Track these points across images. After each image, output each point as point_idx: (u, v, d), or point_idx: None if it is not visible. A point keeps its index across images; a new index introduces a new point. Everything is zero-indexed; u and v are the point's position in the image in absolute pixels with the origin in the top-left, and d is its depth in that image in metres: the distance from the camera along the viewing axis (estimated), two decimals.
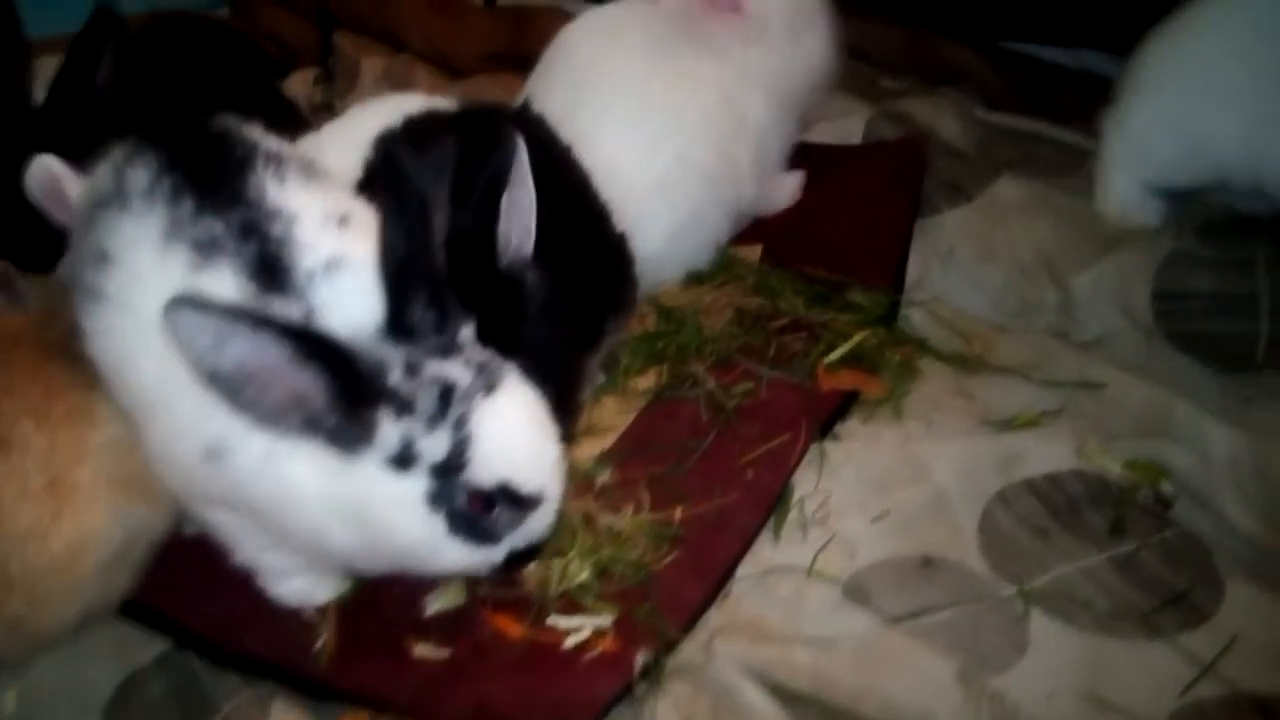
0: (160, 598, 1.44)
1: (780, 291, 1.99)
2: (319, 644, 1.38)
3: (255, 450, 1.16)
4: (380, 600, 1.42)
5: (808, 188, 2.20)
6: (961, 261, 2.01)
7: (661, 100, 1.96)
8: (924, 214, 2.07)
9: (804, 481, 1.63)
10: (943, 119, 2.27)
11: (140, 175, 1.26)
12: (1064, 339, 1.89)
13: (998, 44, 2.57)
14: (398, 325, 1.14)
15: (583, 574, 1.45)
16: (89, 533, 1.28)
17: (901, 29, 2.44)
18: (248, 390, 1.08)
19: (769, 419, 1.71)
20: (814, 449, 1.68)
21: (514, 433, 1.17)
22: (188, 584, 1.45)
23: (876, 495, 1.59)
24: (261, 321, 1.06)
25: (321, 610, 1.41)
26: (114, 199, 1.26)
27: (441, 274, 1.16)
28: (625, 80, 1.98)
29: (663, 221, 1.96)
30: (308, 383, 1.08)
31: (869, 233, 2.06)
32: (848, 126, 2.32)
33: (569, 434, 1.58)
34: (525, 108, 1.82)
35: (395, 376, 1.13)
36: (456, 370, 1.15)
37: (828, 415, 1.73)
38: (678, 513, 1.55)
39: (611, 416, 1.77)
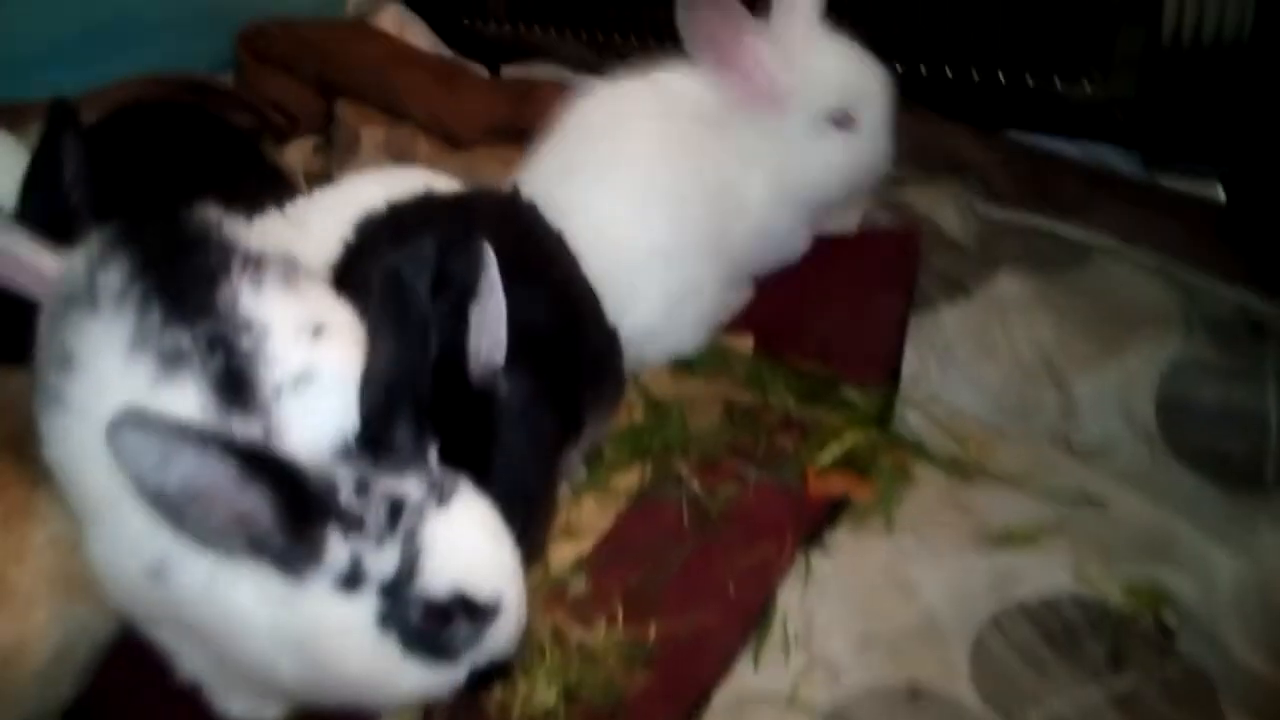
0: (103, 707, 1.38)
1: (772, 386, 1.93)
2: None
3: (199, 573, 1.10)
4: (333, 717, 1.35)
5: (801, 277, 2.15)
6: (960, 360, 1.95)
7: (661, 171, 1.93)
8: (922, 309, 2.01)
9: (787, 597, 1.55)
10: (942, 210, 2.22)
11: (113, 277, 1.23)
12: (1065, 445, 1.82)
13: (1003, 133, 2.53)
14: (376, 444, 1.10)
15: (548, 697, 1.38)
16: (28, 636, 1.23)
17: (904, 115, 2.40)
18: (192, 511, 1.02)
19: (754, 526, 1.64)
20: (799, 560, 1.61)
21: (466, 540, 1.11)
22: (132, 694, 1.38)
23: (863, 616, 1.51)
24: (207, 440, 1.01)
25: None
26: (84, 298, 1.23)
27: (426, 395, 1.13)
28: (625, 150, 1.95)
29: (656, 294, 1.91)
30: (253, 503, 1.03)
31: (863, 326, 2.01)
32: (844, 215, 2.27)
33: (542, 540, 1.52)
34: (515, 193, 1.78)
35: (345, 495, 1.08)
36: (408, 486, 1.10)
37: (815, 524, 1.66)
38: (653, 629, 1.47)
39: (591, 517, 1.70)
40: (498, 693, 1.39)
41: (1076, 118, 2.49)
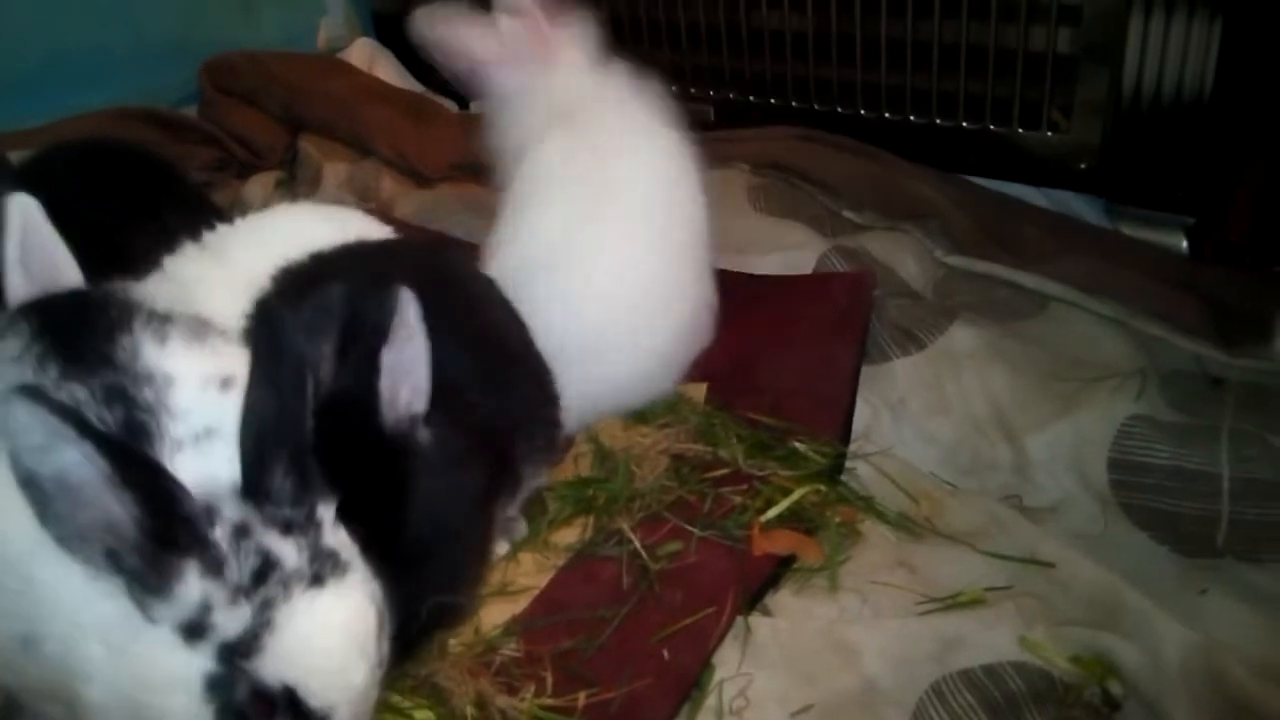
0: None
1: (722, 438, 1.89)
2: None
3: (59, 633, 1.05)
4: None
5: (753, 323, 2.12)
6: (912, 413, 1.91)
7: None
8: (875, 360, 1.98)
9: (725, 661, 1.50)
10: (900, 257, 2.20)
11: (11, 344, 1.20)
12: (1016, 503, 1.78)
13: (965, 178, 2.52)
14: (252, 490, 1.05)
15: None
16: None
17: (868, 160, 2.39)
18: (59, 504, 0.99)
19: (694, 586, 1.60)
20: (740, 622, 1.56)
21: (321, 637, 1.03)
22: None
23: (801, 684, 1.46)
24: (88, 430, 0.97)
25: None
26: None
27: (306, 444, 1.07)
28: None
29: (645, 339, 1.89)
30: (119, 511, 0.98)
31: (815, 376, 1.97)
32: (799, 259, 2.24)
33: (466, 599, 1.46)
34: (440, 240, 1.74)
35: (219, 533, 1.02)
36: (287, 549, 1.04)
37: (758, 584, 1.62)
38: (582, 698, 1.43)
39: (528, 576, 1.66)
40: None
41: (1039, 164, 2.48)
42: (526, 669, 1.47)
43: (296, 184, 3.04)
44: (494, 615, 1.57)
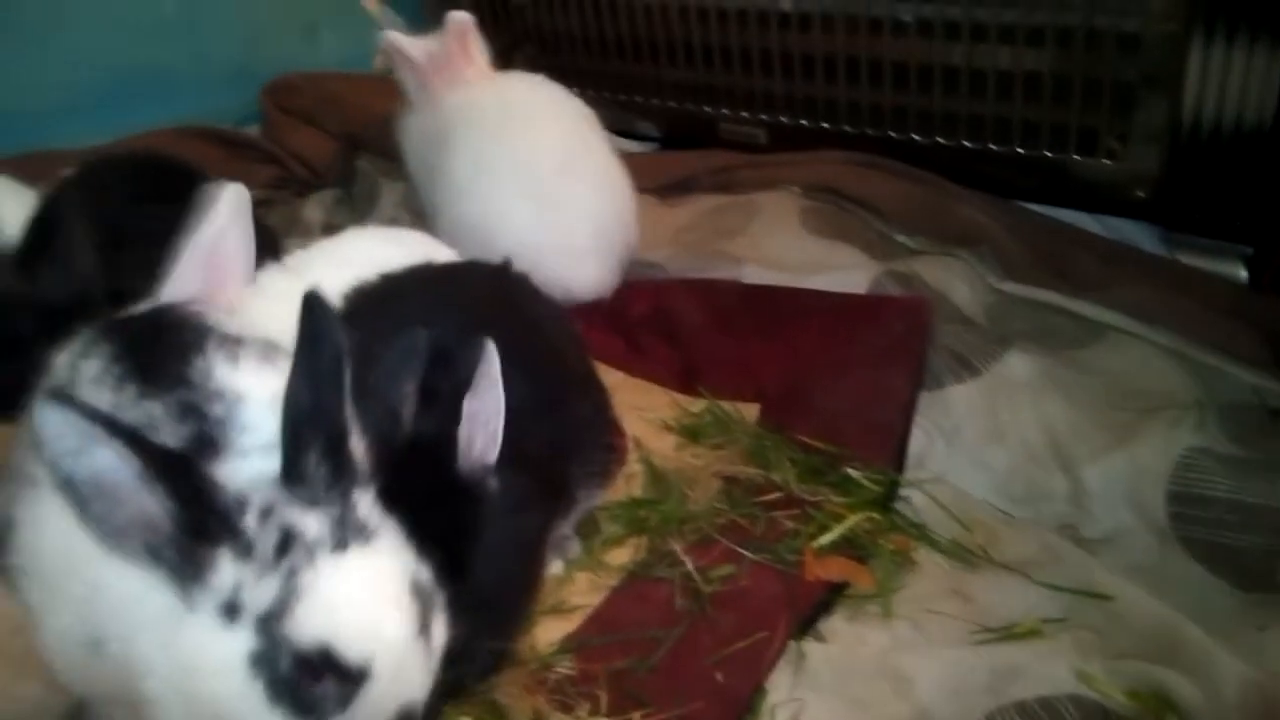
0: None
1: (774, 462, 1.90)
2: None
3: (120, 633, 1.08)
4: None
5: (804, 340, 2.13)
6: (967, 441, 1.91)
7: None
8: (930, 387, 1.98)
9: (778, 686, 1.51)
10: (954, 283, 2.19)
11: (92, 364, 1.24)
12: (1073, 533, 1.76)
13: (1018, 205, 2.51)
14: (288, 476, 1.08)
15: None
16: None
17: (920, 185, 2.39)
18: (96, 505, 1.02)
19: (747, 610, 1.60)
20: (793, 647, 1.57)
21: (346, 594, 1.05)
22: None
23: (854, 711, 1.46)
24: (121, 434, 1.00)
25: None
26: (66, 388, 1.23)
27: (342, 431, 1.10)
28: None
29: None
30: (154, 508, 1.02)
31: (870, 402, 1.97)
32: (849, 281, 2.25)
33: (513, 642, 1.48)
34: (505, 264, 1.77)
35: (249, 519, 1.05)
36: (308, 520, 1.06)
37: (810, 609, 1.62)
38: (636, 718, 1.43)
39: (581, 594, 1.67)
40: None
41: (1095, 191, 2.47)
42: (581, 687, 1.49)
43: (354, 203, 3.10)
44: (548, 633, 1.59)
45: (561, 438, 1.59)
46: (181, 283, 1.49)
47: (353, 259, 1.74)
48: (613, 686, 1.48)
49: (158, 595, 1.05)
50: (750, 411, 2.07)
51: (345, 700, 1.04)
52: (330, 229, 2.96)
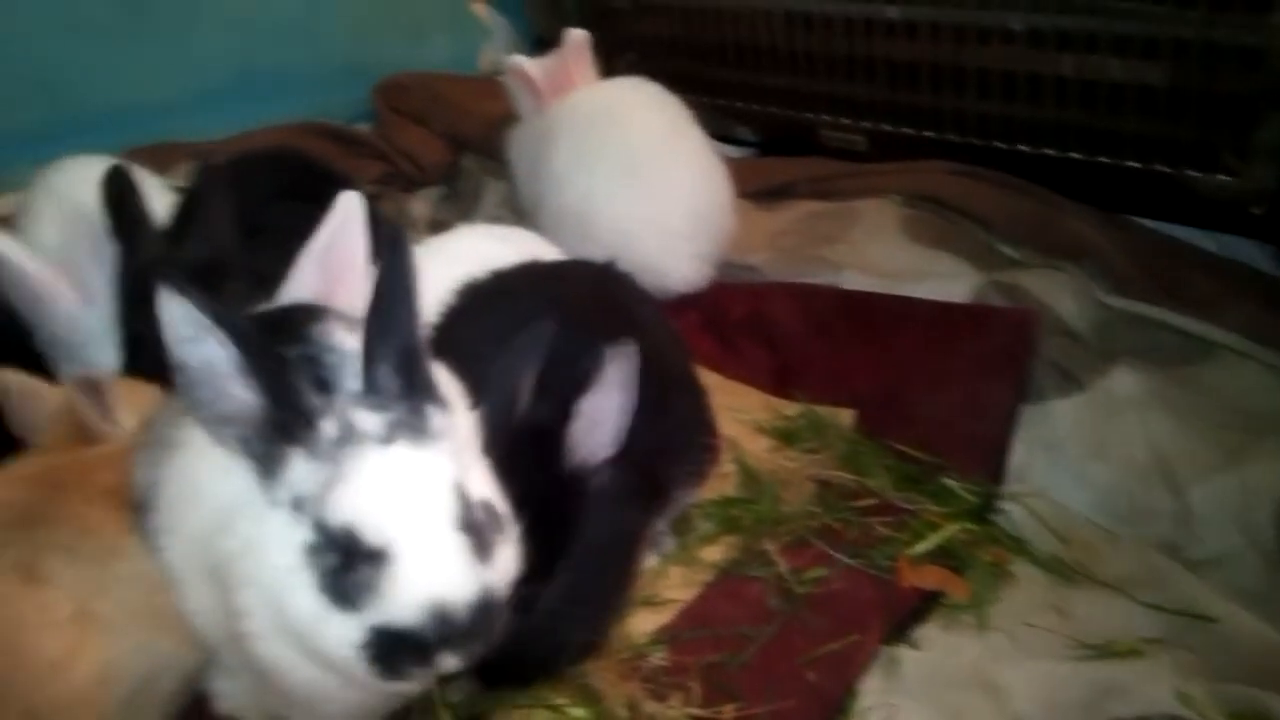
0: None
1: (869, 468, 1.90)
2: None
3: (226, 549, 1.17)
4: None
5: (903, 347, 2.12)
6: (1069, 456, 1.88)
7: None
8: (1032, 400, 1.96)
9: (869, 690, 1.52)
10: (1060, 296, 2.15)
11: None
12: (1176, 554, 1.73)
13: (1128, 219, 2.46)
14: (366, 385, 1.16)
15: None
16: (112, 664, 1.28)
17: (1025, 196, 2.35)
18: (203, 390, 1.13)
19: (839, 613, 1.61)
20: (885, 652, 1.57)
21: (379, 481, 1.11)
22: None
23: (947, 716, 1.46)
24: (225, 322, 1.10)
25: None
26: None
27: (414, 351, 1.18)
28: None
29: None
30: (249, 399, 1.12)
31: (971, 413, 1.96)
32: (951, 290, 2.23)
33: (604, 633, 1.52)
34: (609, 263, 1.81)
35: (325, 422, 1.13)
36: (367, 419, 1.14)
37: (904, 616, 1.62)
38: (728, 712, 1.46)
39: (674, 589, 1.70)
40: None
41: (1210, 208, 2.40)
42: (674, 678, 1.51)
43: (458, 200, 3.19)
44: (642, 623, 1.62)
45: (661, 437, 1.61)
46: (302, 283, 1.57)
47: (463, 256, 1.79)
48: (705, 679, 1.51)
49: (248, 498, 1.15)
50: (845, 417, 2.07)
51: (372, 586, 1.08)
52: (436, 225, 3.05)
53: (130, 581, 1.30)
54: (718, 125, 3.27)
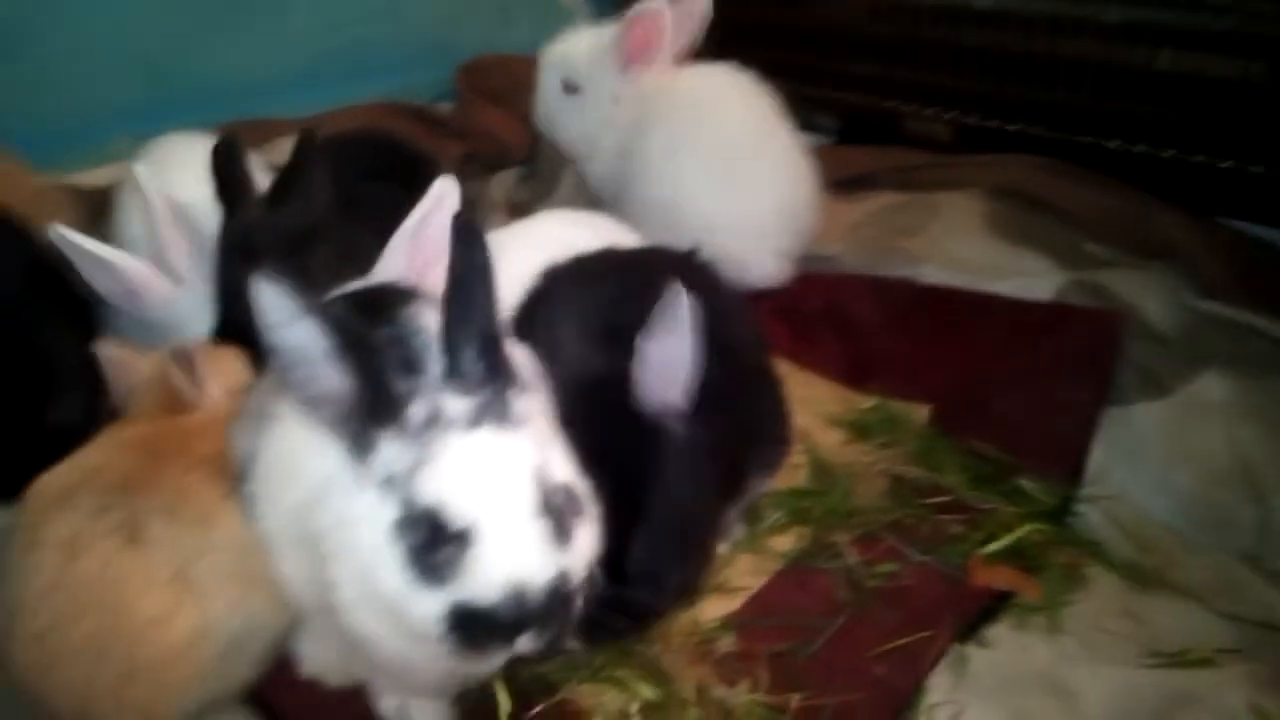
0: (279, 695, 1.50)
1: (943, 465, 1.89)
2: None
3: (319, 523, 1.22)
4: None
5: (981, 344, 2.10)
6: (1150, 461, 1.85)
7: None
8: (1114, 402, 1.93)
9: (938, 686, 1.52)
10: (1146, 298, 2.11)
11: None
12: (1256, 566, 1.69)
13: (1219, 220, 2.39)
14: (450, 369, 1.20)
15: None
16: (207, 624, 1.35)
17: (1113, 194, 2.30)
18: (297, 373, 1.16)
19: (909, 609, 1.61)
20: (955, 649, 1.57)
21: (464, 465, 1.15)
22: (306, 685, 1.50)
23: (1016, 716, 1.46)
24: (319, 310, 1.14)
25: None
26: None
27: (494, 336, 1.22)
28: None
29: None
30: (341, 382, 1.16)
31: (1050, 414, 1.93)
32: (1034, 288, 2.20)
33: (694, 586, 1.53)
34: (693, 251, 1.82)
35: (413, 406, 1.17)
36: (454, 403, 1.17)
37: (974, 614, 1.62)
38: (795, 701, 1.47)
39: (743, 576, 1.71)
40: None
41: None
42: (742, 664, 1.53)
43: (536, 182, 3.22)
44: (711, 609, 1.64)
45: (738, 425, 1.63)
46: (393, 263, 1.61)
47: (545, 241, 1.82)
48: (773, 667, 1.53)
49: (341, 475, 1.20)
50: (920, 412, 2.06)
51: (454, 564, 1.12)
52: (514, 206, 3.09)
53: (225, 546, 1.36)
54: (796, 112, 3.25)
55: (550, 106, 2.67)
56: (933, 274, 2.34)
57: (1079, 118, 2.64)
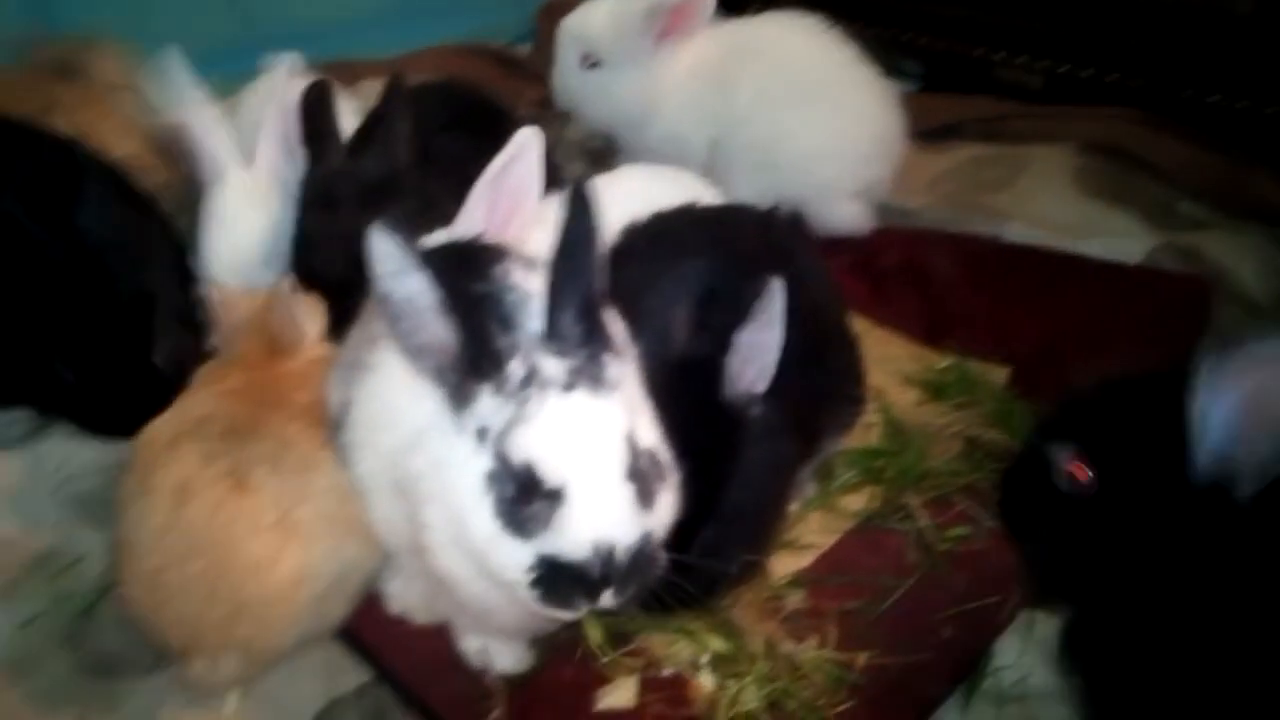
0: (369, 631, 1.58)
1: (1020, 429, 1.87)
2: (494, 715, 1.45)
3: (413, 469, 1.28)
4: (555, 685, 1.49)
5: (1064, 307, 2.06)
6: None
7: None
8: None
9: (1005, 650, 1.54)
10: (1241, 262, 2.05)
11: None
12: None
13: None
14: (549, 330, 1.23)
15: (753, 702, 1.45)
16: (309, 566, 1.42)
17: (1214, 152, 2.22)
18: (404, 323, 1.21)
19: (979, 573, 1.63)
20: (1022, 614, 1.58)
21: (560, 426, 1.18)
22: (395, 621, 1.58)
23: None
24: (427, 263, 1.19)
25: (500, 681, 1.49)
26: None
27: (594, 300, 1.25)
28: None
29: None
30: (446, 335, 1.20)
31: None
32: (1123, 249, 2.15)
33: (761, 560, 1.58)
34: (774, 209, 1.82)
35: (513, 362, 1.21)
36: (551, 364, 1.21)
37: None
38: (862, 659, 1.51)
39: (814, 534, 1.74)
40: (706, 687, 1.48)
41: None
42: (810, 621, 1.57)
43: None
44: (781, 565, 1.67)
45: (814, 387, 1.64)
46: (474, 216, 1.64)
47: (627, 196, 1.83)
48: (841, 625, 1.56)
49: (438, 422, 1.24)
50: (998, 374, 2.04)
51: (545, 519, 1.17)
52: (588, 152, 3.09)
53: (325, 492, 1.44)
54: (880, 57, 3.18)
55: (570, 82, 2.59)
56: (1017, 232, 2.30)
57: (1179, 69, 2.53)
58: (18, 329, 1.83)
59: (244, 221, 2.00)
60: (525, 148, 1.68)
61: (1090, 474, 1.19)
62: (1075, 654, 1.27)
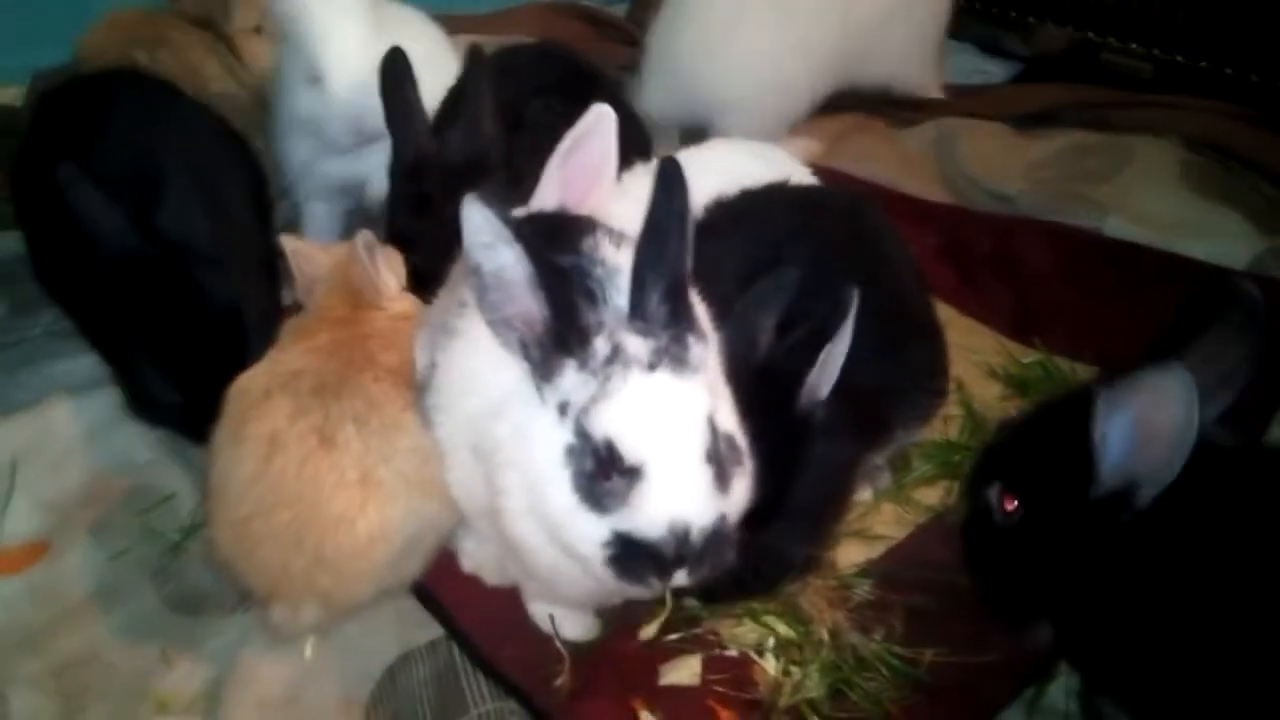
0: (443, 588, 1.62)
1: None
2: (559, 681, 1.48)
3: (493, 435, 1.30)
4: (619, 657, 1.51)
5: (1161, 308, 1.98)
6: None
7: None
8: None
9: None
10: None
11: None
12: None
13: None
14: (634, 309, 1.24)
15: (816, 690, 1.46)
16: (388, 522, 1.46)
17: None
18: (493, 295, 1.23)
19: None
20: None
21: (642, 405, 1.19)
22: (468, 580, 1.62)
23: None
24: (521, 237, 1.20)
25: (567, 647, 1.52)
26: None
27: (681, 281, 1.25)
28: None
29: None
30: (534, 308, 1.22)
31: None
32: (1228, 252, 2.07)
33: (817, 556, 1.58)
34: (858, 196, 1.79)
35: (599, 339, 1.22)
36: (635, 343, 1.22)
37: None
38: (928, 655, 1.50)
39: (886, 525, 1.73)
40: (770, 671, 1.48)
41: None
42: (877, 613, 1.56)
43: None
44: (850, 555, 1.67)
45: (891, 377, 1.62)
46: (549, 189, 1.63)
47: (715, 169, 1.81)
48: (908, 619, 1.55)
49: (520, 391, 1.27)
50: (1087, 374, 1.98)
51: (622, 495, 1.18)
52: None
53: (408, 453, 1.47)
54: (983, 35, 3.09)
55: None
56: (1118, 227, 2.23)
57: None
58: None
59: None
60: (600, 122, 1.66)
61: (1015, 503, 1.32)
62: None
